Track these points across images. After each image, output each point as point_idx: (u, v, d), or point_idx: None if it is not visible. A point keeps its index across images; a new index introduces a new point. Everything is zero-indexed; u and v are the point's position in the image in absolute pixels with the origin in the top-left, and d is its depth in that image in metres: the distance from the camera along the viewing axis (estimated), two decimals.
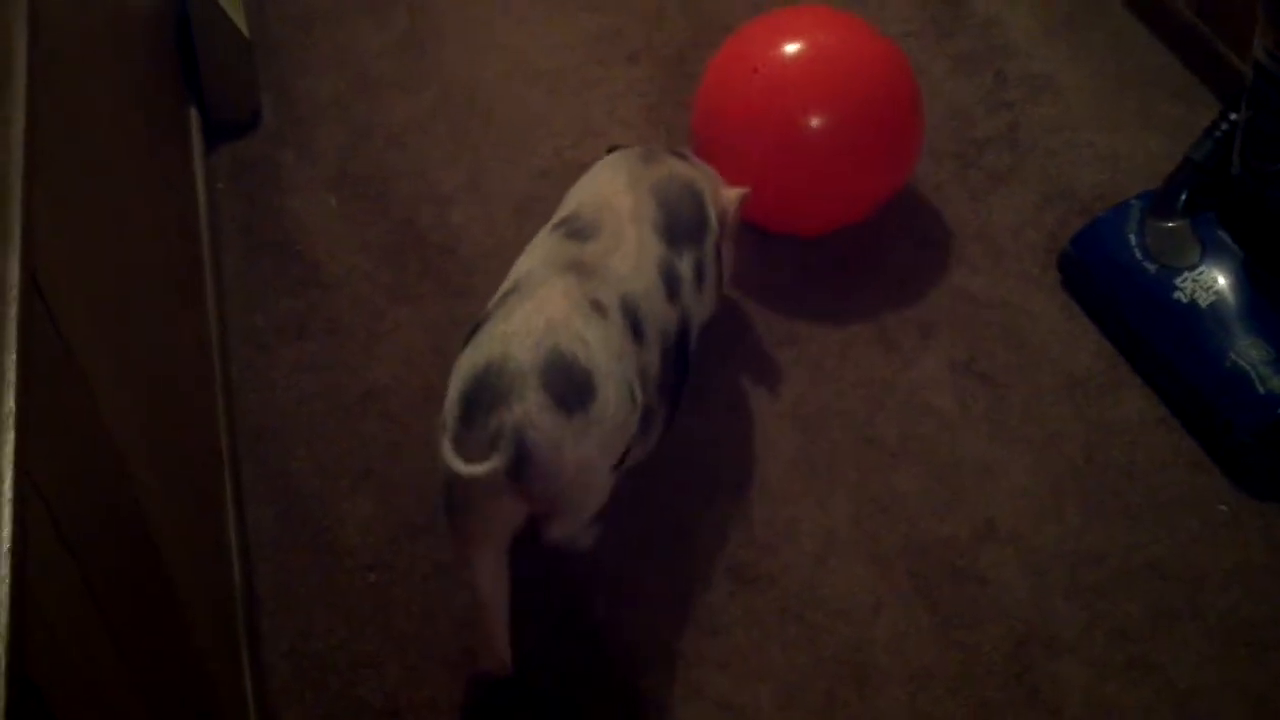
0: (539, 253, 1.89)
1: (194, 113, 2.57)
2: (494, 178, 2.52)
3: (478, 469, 1.64)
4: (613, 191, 1.96)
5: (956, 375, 2.18)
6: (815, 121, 2.19)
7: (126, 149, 1.90)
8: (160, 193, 2.11)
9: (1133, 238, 2.21)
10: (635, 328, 1.81)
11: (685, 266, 1.92)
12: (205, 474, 1.95)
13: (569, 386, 1.68)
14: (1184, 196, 2.21)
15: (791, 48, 2.22)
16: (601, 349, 1.73)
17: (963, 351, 2.21)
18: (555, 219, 1.97)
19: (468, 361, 1.73)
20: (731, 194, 2.05)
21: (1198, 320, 2.09)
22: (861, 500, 2.03)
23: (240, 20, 2.59)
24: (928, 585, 1.94)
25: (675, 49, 2.73)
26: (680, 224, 1.94)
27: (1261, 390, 2.00)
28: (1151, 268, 2.16)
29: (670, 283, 1.89)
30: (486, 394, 1.67)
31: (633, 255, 1.87)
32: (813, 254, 2.37)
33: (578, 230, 1.90)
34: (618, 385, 1.73)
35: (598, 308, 1.77)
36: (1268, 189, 2.06)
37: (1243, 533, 1.97)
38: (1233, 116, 2.17)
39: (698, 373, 2.19)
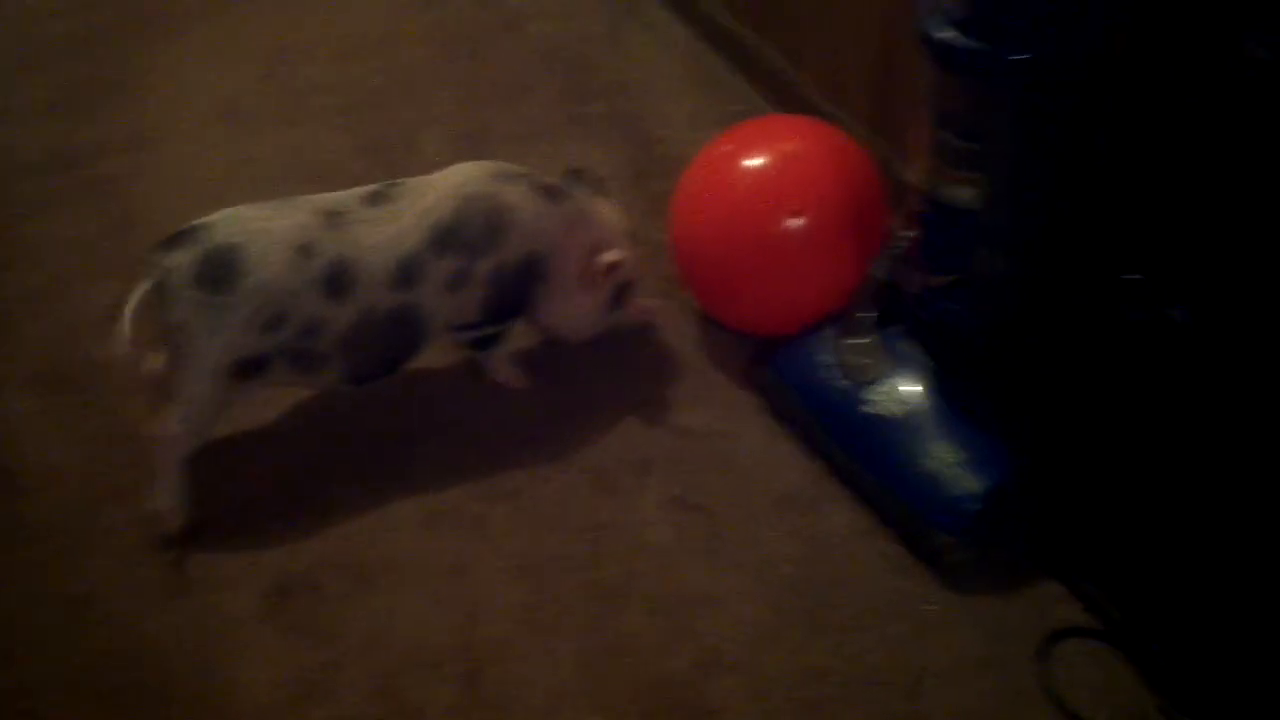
0: (346, 190, 2.23)
1: None
2: None
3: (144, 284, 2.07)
4: (434, 185, 2.23)
5: (673, 509, 2.23)
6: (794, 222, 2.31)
7: None
8: None
9: (826, 357, 2.30)
10: (334, 283, 2.11)
11: (439, 268, 2.17)
12: None
13: (218, 272, 2.06)
14: (870, 312, 2.32)
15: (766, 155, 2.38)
16: (274, 273, 2.07)
17: (677, 485, 2.26)
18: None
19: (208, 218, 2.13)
20: (605, 256, 2.30)
21: (891, 429, 2.18)
22: (590, 647, 2.05)
23: None
24: None
25: None
26: (460, 235, 2.19)
27: (956, 491, 2.09)
28: (845, 384, 2.25)
29: (406, 274, 2.16)
30: (182, 235, 2.10)
31: (387, 238, 2.16)
32: (526, 402, 2.41)
33: (378, 194, 2.21)
34: (264, 302, 2.07)
35: (305, 250, 2.10)
36: (943, 303, 2.17)
37: (953, 629, 2.05)
38: (908, 233, 2.29)
39: (414, 546, 2.19)
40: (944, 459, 2.13)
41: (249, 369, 2.13)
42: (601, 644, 2.05)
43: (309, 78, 3.19)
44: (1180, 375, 1.94)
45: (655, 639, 2.05)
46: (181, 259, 2.07)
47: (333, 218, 2.15)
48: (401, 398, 2.40)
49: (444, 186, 2.23)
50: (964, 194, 2.05)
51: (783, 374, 2.35)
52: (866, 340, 2.30)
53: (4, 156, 2.97)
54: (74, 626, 2.10)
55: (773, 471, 2.27)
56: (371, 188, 2.23)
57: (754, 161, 2.39)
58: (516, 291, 2.28)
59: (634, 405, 2.40)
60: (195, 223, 2.12)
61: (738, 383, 2.42)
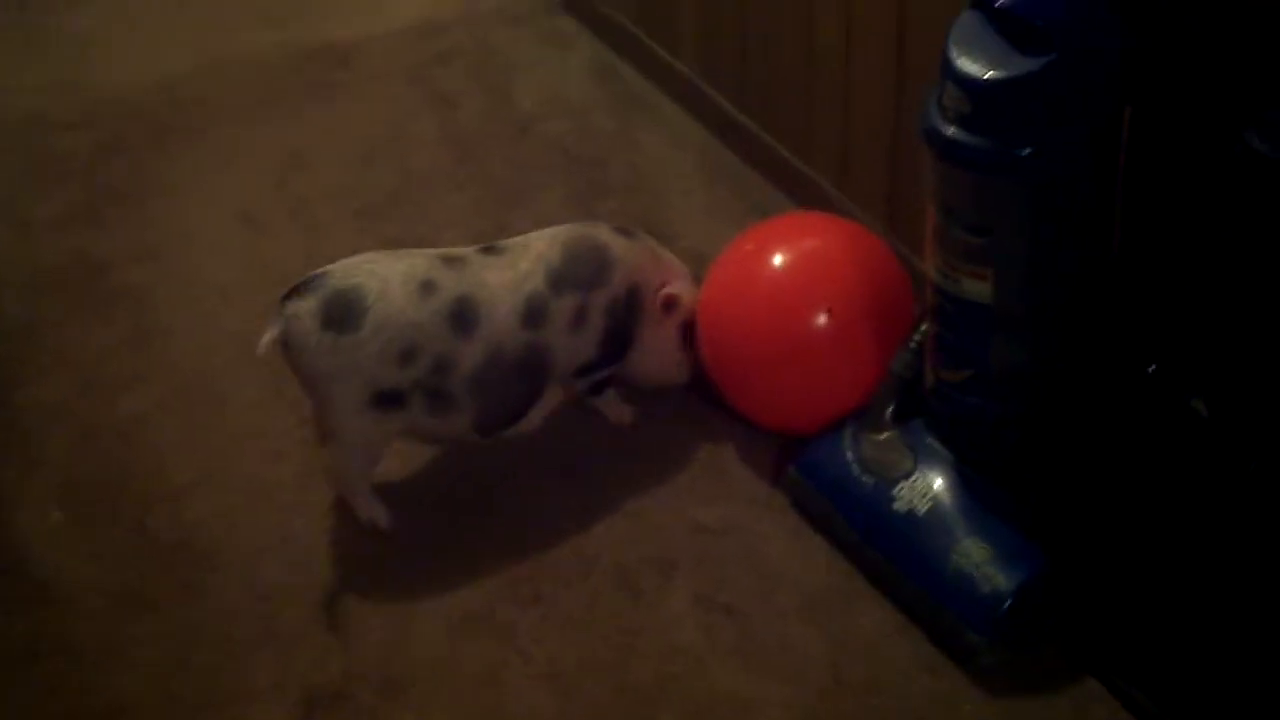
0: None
1: None
2: (230, 467, 2.50)
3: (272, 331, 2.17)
4: (535, 238, 2.36)
5: (701, 610, 2.22)
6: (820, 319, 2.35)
7: None
8: None
9: (849, 454, 2.30)
10: (460, 320, 2.20)
11: (560, 306, 2.28)
12: None
13: (342, 313, 2.14)
14: (890, 408, 2.33)
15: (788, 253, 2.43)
16: (397, 309, 2.16)
17: (704, 585, 2.26)
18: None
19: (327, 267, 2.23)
20: (666, 289, 2.40)
21: (918, 527, 2.18)
22: None
23: None
24: None
25: None
26: (572, 274, 2.30)
27: (986, 589, 2.08)
28: (869, 480, 2.25)
29: (533, 313, 2.25)
30: (302, 285, 2.19)
31: (510, 280, 2.26)
32: (548, 498, 2.41)
33: (493, 247, 2.33)
34: (389, 339, 2.15)
35: (428, 286, 2.19)
36: (960, 396, 2.18)
37: None
38: (924, 328, 2.30)
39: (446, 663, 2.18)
40: (972, 556, 2.12)
41: (387, 402, 2.20)
42: None
43: (323, 182, 3.22)
44: (1202, 467, 1.94)
45: None
46: (304, 306, 2.15)
47: (451, 262, 2.26)
48: (416, 498, 2.41)
49: (545, 237, 2.36)
50: (976, 288, 2.06)
51: (807, 473, 2.34)
52: (887, 436, 2.30)
53: (25, 268, 2.99)
54: None
55: (800, 570, 2.26)
56: (478, 245, 2.34)
57: (778, 259, 2.42)
58: (626, 325, 2.38)
59: (655, 502, 2.40)
60: (315, 272, 2.21)
61: (761, 478, 2.42)
